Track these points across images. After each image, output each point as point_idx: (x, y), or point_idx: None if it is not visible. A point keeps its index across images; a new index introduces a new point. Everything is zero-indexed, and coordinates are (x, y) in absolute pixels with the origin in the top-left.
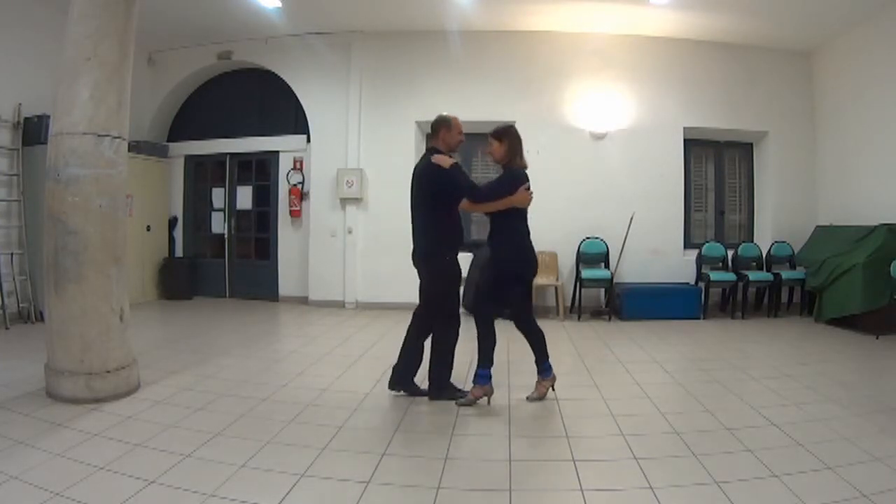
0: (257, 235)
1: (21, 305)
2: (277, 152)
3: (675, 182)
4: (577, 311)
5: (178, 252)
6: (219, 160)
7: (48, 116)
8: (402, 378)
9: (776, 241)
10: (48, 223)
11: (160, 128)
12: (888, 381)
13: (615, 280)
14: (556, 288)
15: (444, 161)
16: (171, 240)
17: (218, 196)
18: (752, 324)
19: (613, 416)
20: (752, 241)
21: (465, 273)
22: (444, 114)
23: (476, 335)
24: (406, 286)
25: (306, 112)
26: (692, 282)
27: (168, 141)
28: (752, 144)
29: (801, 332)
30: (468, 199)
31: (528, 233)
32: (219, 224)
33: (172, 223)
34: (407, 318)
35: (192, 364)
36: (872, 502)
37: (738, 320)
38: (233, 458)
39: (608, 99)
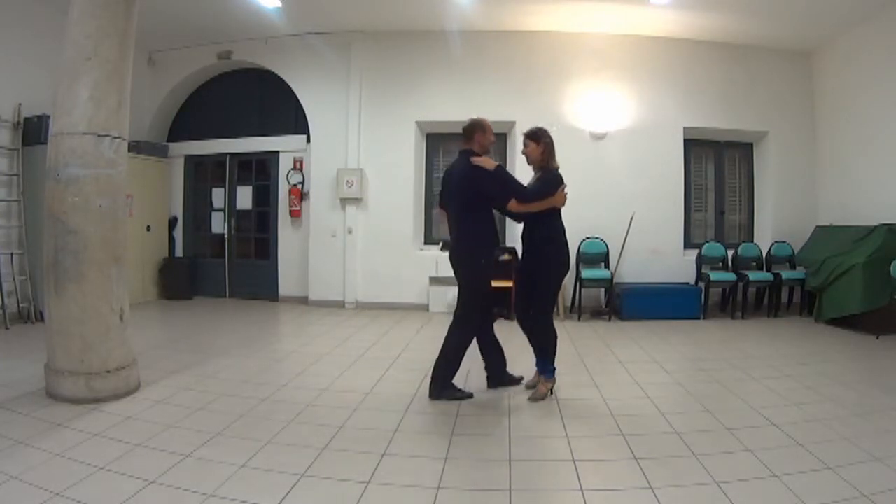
0: (257, 235)
1: (21, 305)
2: (277, 152)
3: (675, 182)
4: (577, 311)
5: (178, 252)
6: (219, 160)
7: (48, 116)
8: (496, 374)
9: (776, 241)
10: (48, 223)
11: (160, 128)
12: (888, 381)
13: (615, 280)
14: None
15: (487, 163)
16: (171, 240)
17: (218, 196)
18: (752, 324)
19: (613, 416)
20: (752, 241)
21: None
22: (476, 117)
23: (534, 335)
24: (406, 286)
25: (306, 112)
26: (692, 282)
27: (168, 141)
28: (752, 144)
29: (801, 332)
30: (517, 200)
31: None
32: (219, 224)
33: (172, 223)
34: (407, 318)
35: (192, 364)
36: (872, 502)
37: (738, 320)
38: (233, 458)
39: (608, 99)
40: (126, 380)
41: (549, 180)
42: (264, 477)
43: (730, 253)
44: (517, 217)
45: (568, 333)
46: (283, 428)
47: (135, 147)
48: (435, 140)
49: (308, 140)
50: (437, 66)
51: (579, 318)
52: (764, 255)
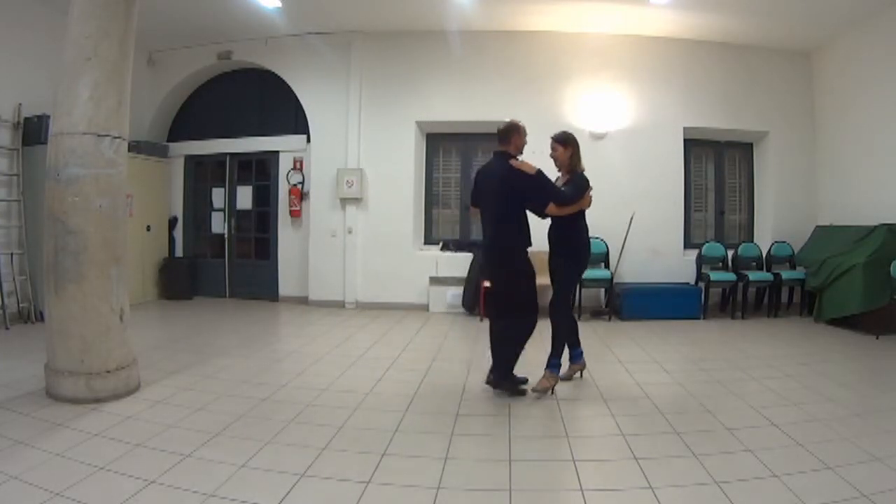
0: (257, 235)
1: (21, 305)
2: (277, 152)
3: (675, 182)
4: (576, 310)
5: (178, 252)
6: (219, 160)
7: (48, 116)
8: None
9: (776, 241)
10: (48, 223)
11: (160, 128)
12: (888, 381)
13: (615, 280)
14: None
15: (528, 167)
16: (171, 240)
17: (218, 196)
18: (752, 324)
19: (613, 416)
20: (752, 241)
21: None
22: (512, 119)
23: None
24: (406, 286)
25: (306, 112)
26: (692, 282)
27: (168, 141)
28: (752, 144)
29: (801, 332)
30: (557, 204)
31: None
32: (219, 224)
33: (172, 223)
34: (407, 318)
35: (192, 364)
36: (872, 502)
37: (738, 320)
38: (233, 458)
39: (608, 99)
40: (126, 380)
41: (581, 184)
42: (264, 477)
43: (730, 253)
44: (541, 215)
45: None
46: (283, 428)
47: (135, 147)
48: (435, 140)
49: (308, 140)
50: (437, 66)
51: (579, 318)
52: (764, 255)
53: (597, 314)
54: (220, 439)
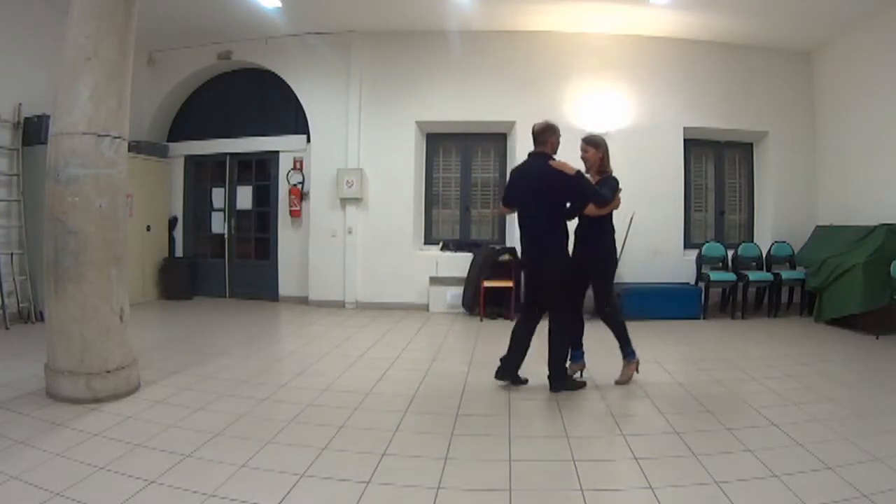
0: (257, 235)
1: (21, 305)
2: (277, 152)
3: (675, 182)
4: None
5: (178, 252)
6: (219, 160)
7: (48, 116)
8: (510, 368)
9: (776, 241)
10: (48, 223)
11: (160, 128)
12: (888, 381)
13: (615, 280)
14: None
15: (568, 168)
16: (171, 240)
17: (218, 196)
18: (752, 324)
19: (613, 416)
20: (752, 241)
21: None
22: (547, 120)
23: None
24: (406, 286)
25: (306, 112)
26: (692, 282)
27: (168, 141)
28: (752, 144)
29: (801, 332)
30: (596, 204)
31: None
32: (219, 224)
33: (172, 223)
34: (407, 318)
35: (192, 364)
36: (872, 502)
37: (738, 320)
38: (233, 458)
39: (608, 99)
40: (126, 380)
41: (614, 185)
42: (264, 477)
43: (730, 253)
44: (572, 216)
45: None
46: (283, 428)
47: (135, 147)
48: (435, 140)
49: (308, 140)
50: (437, 66)
51: None
52: (764, 255)
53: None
54: (220, 439)
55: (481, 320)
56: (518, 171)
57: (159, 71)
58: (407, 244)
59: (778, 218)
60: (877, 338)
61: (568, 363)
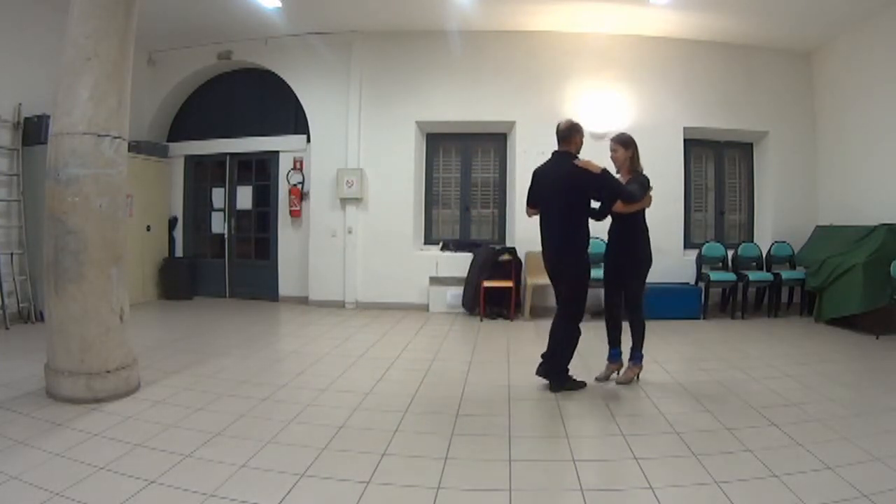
0: (257, 235)
1: (21, 305)
2: (277, 152)
3: (675, 182)
4: None
5: (178, 252)
6: (219, 160)
7: (48, 116)
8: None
9: (776, 241)
10: (48, 223)
11: (160, 128)
12: (888, 381)
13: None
14: None
15: (593, 166)
16: (171, 240)
17: (218, 196)
18: (752, 324)
19: (613, 416)
20: (752, 241)
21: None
22: (571, 119)
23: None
24: (406, 286)
25: (306, 112)
26: (692, 282)
27: (168, 141)
28: (752, 144)
29: (801, 332)
30: (625, 202)
31: None
32: (219, 224)
33: (172, 223)
34: (407, 318)
35: (192, 364)
36: (872, 502)
37: (738, 320)
38: (233, 458)
39: (608, 99)
40: (126, 380)
41: (644, 183)
42: (264, 477)
43: (730, 253)
44: (602, 216)
45: None
46: (283, 428)
47: (135, 147)
48: (435, 140)
49: (308, 140)
50: (437, 66)
51: None
52: (764, 255)
53: (597, 314)
54: (220, 439)
55: (481, 320)
56: (542, 170)
57: (159, 71)
58: (407, 244)
59: (778, 218)
60: (877, 338)
61: (641, 367)
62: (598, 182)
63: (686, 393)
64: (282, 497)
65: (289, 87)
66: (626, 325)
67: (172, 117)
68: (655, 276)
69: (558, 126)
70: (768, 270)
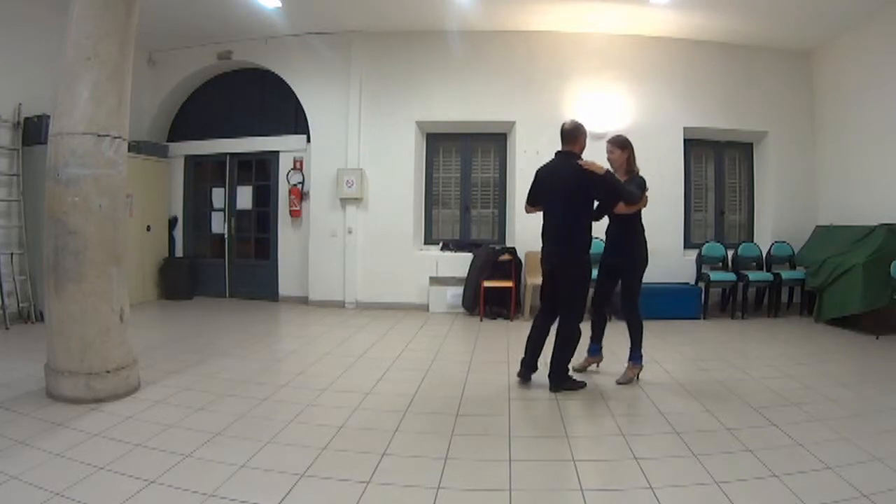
0: (257, 235)
1: (21, 305)
2: (277, 152)
3: (675, 182)
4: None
5: (178, 252)
6: (219, 160)
7: (48, 116)
8: (531, 367)
9: (776, 241)
10: (48, 223)
11: (160, 128)
12: (888, 381)
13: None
14: None
15: (597, 167)
16: (171, 240)
17: (218, 196)
18: (752, 324)
19: (613, 416)
20: (752, 241)
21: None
22: (575, 119)
23: (627, 327)
24: (406, 286)
25: (306, 112)
26: (692, 282)
27: (168, 141)
28: (752, 144)
29: (801, 332)
30: (626, 203)
31: None
32: (219, 224)
33: (172, 223)
34: (407, 318)
35: (192, 364)
36: (872, 502)
37: (738, 320)
38: (233, 458)
39: (608, 99)
40: (126, 380)
41: (641, 184)
42: (264, 477)
43: (730, 253)
44: (600, 216)
45: None
46: (283, 428)
47: (135, 147)
48: (435, 140)
49: (308, 140)
50: (437, 66)
51: None
52: (764, 255)
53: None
54: (220, 439)
55: (481, 320)
56: (545, 169)
57: (159, 71)
58: (407, 244)
59: (778, 218)
60: (877, 338)
61: (641, 366)
62: (602, 183)
63: (686, 393)
64: (282, 497)
65: (289, 87)
66: (623, 326)
67: (172, 117)
68: (655, 276)
69: (563, 126)
70: (768, 270)
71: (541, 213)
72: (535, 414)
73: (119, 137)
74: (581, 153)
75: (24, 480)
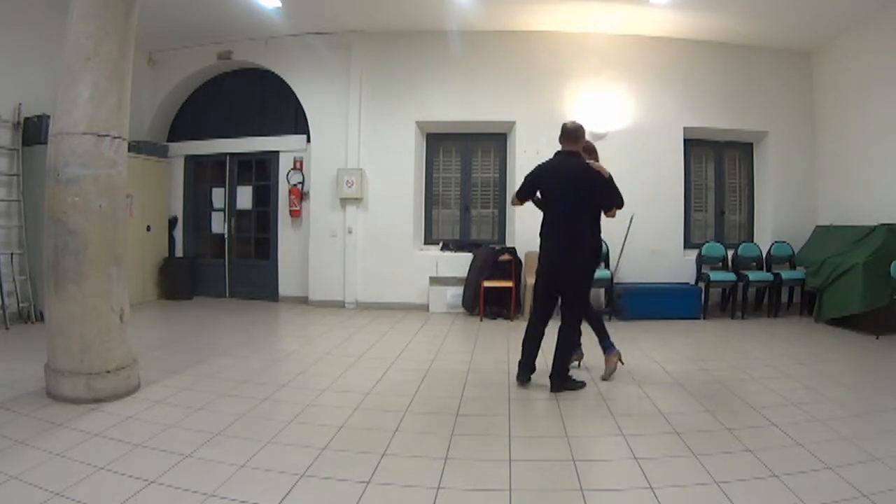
0: (257, 235)
1: (21, 305)
2: (277, 152)
3: (675, 182)
4: None
5: (178, 252)
6: (219, 160)
7: (48, 116)
8: (530, 369)
9: (776, 241)
10: (48, 223)
11: (160, 128)
12: (888, 381)
13: (615, 280)
14: None
15: (603, 170)
16: (171, 240)
17: (218, 196)
18: (752, 324)
19: (613, 417)
20: (752, 241)
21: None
22: (576, 120)
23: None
24: (406, 286)
25: (306, 112)
26: (692, 282)
27: (168, 141)
28: (752, 144)
29: (801, 332)
30: (617, 208)
31: None
32: (219, 224)
33: (172, 223)
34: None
35: (193, 364)
36: (872, 502)
37: (738, 320)
38: (233, 458)
39: (608, 99)
40: (126, 380)
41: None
42: (264, 477)
43: (730, 253)
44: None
45: None
46: (283, 428)
47: (135, 147)
48: (435, 140)
49: (308, 140)
50: (437, 66)
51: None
52: (764, 255)
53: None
54: (220, 439)
55: (481, 320)
56: (547, 167)
57: (159, 71)
58: (407, 244)
59: (778, 218)
60: (877, 338)
61: (617, 352)
62: (606, 187)
63: (686, 393)
64: (282, 497)
65: (289, 87)
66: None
67: (172, 117)
68: (656, 275)
69: (565, 126)
70: (768, 270)
71: (541, 214)
72: (535, 414)
73: (119, 137)
74: (580, 154)
75: (24, 480)
